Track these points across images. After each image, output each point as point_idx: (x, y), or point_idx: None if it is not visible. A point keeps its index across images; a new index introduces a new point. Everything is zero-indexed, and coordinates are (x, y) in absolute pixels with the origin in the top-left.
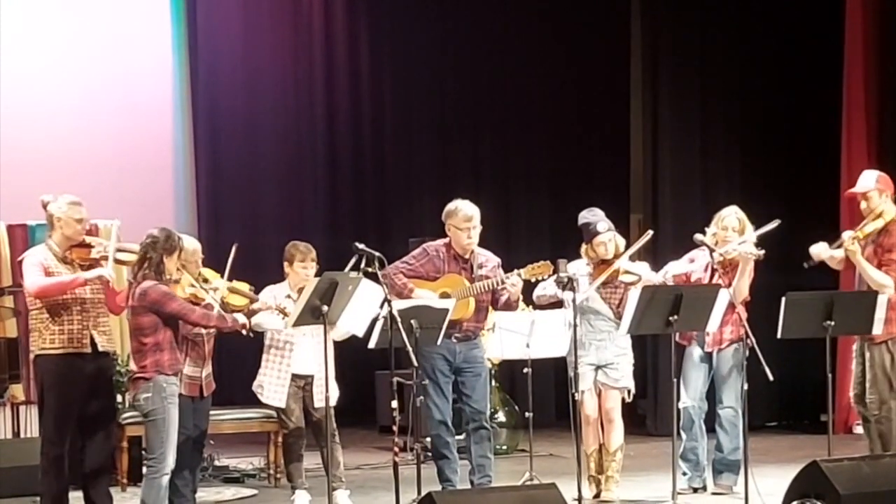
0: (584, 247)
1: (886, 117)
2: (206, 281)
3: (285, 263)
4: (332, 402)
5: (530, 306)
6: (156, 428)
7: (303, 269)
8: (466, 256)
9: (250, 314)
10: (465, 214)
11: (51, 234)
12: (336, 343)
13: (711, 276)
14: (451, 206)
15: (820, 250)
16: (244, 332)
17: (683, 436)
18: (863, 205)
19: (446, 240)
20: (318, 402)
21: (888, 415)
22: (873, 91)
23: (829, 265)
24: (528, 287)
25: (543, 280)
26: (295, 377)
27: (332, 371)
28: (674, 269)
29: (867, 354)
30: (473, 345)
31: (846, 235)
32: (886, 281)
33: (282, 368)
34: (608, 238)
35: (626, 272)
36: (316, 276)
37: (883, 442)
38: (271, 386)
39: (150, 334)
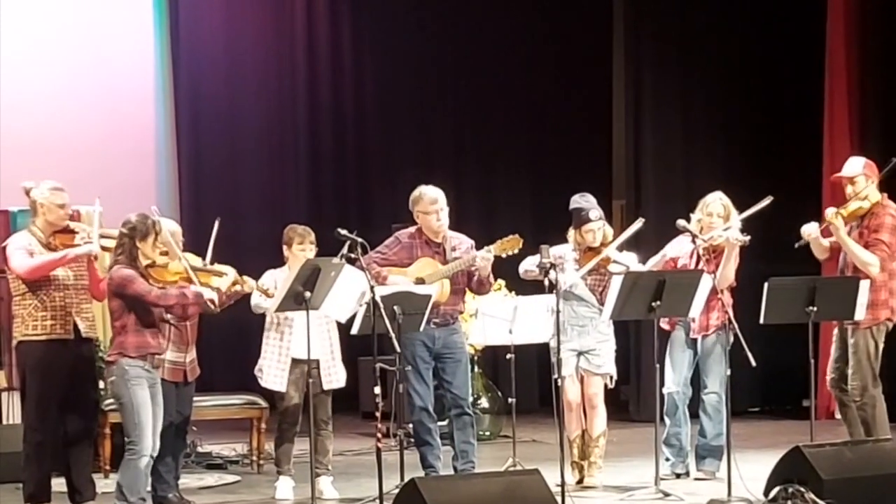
0: (571, 231)
1: (868, 101)
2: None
3: (284, 247)
4: (341, 384)
5: (513, 292)
6: (126, 412)
7: (301, 252)
8: (438, 240)
9: (234, 296)
10: (429, 198)
11: (34, 220)
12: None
13: (697, 263)
14: (414, 193)
15: (811, 230)
16: (212, 307)
17: (667, 421)
18: (848, 189)
19: (417, 226)
20: (326, 384)
21: (870, 402)
22: (855, 74)
23: (815, 254)
24: (508, 268)
25: (512, 255)
26: (297, 362)
27: (339, 353)
28: (656, 262)
29: (850, 340)
30: (453, 330)
31: (829, 211)
32: (871, 259)
33: (281, 352)
34: (598, 226)
35: (615, 262)
36: None
37: (865, 428)
38: (271, 370)
39: (118, 317)
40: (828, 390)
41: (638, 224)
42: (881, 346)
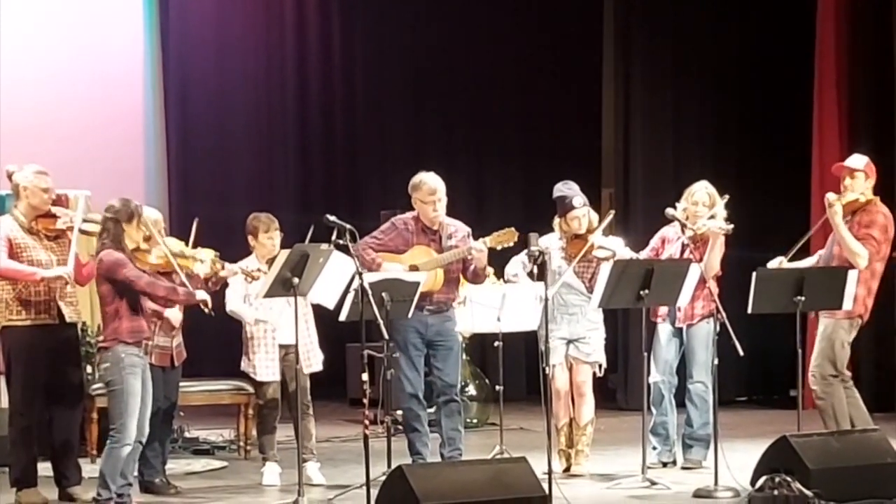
0: (557, 220)
1: (858, 96)
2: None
3: (249, 237)
4: (319, 367)
5: (501, 279)
6: (115, 398)
7: (269, 240)
8: (435, 228)
9: (219, 281)
10: (429, 188)
11: (17, 203)
12: (315, 311)
13: (682, 252)
14: (415, 179)
15: (775, 265)
16: (206, 310)
17: (653, 410)
18: (847, 181)
19: (414, 213)
20: (306, 367)
21: (829, 391)
22: (844, 69)
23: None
24: (500, 259)
25: (508, 248)
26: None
27: (316, 337)
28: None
29: (820, 327)
30: (446, 317)
31: (831, 195)
32: (861, 250)
33: (268, 344)
34: (582, 213)
35: (601, 247)
36: (283, 247)
37: (825, 417)
38: (262, 363)
39: (109, 302)
40: None
41: (609, 217)
42: (849, 340)
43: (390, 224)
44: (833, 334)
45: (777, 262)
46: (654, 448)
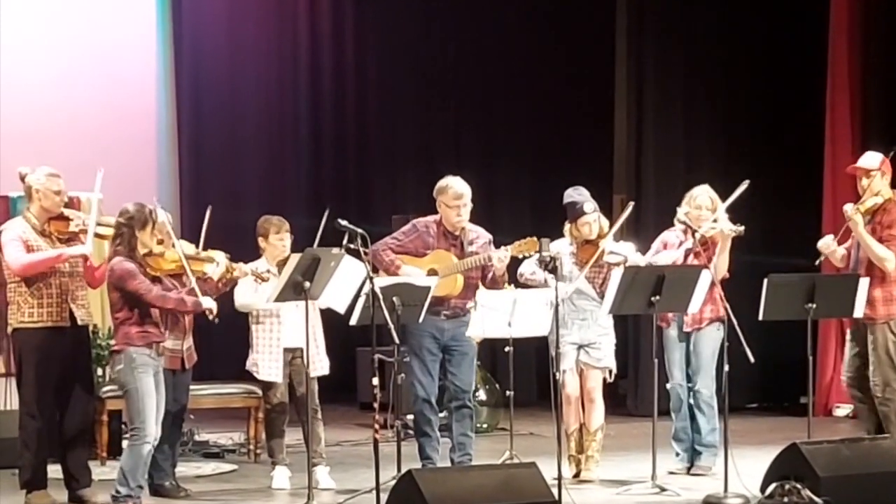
0: (567, 226)
1: (870, 97)
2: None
3: (259, 238)
4: (325, 371)
5: (512, 285)
6: (130, 399)
7: (279, 242)
8: (456, 233)
9: (229, 282)
10: (455, 192)
11: (29, 206)
12: (324, 313)
13: (686, 258)
14: (442, 182)
15: (828, 242)
16: (210, 317)
17: (673, 416)
18: (863, 181)
19: (437, 216)
20: (311, 371)
21: (893, 397)
22: (857, 70)
23: (834, 264)
24: (513, 265)
25: (528, 257)
26: (285, 351)
27: (323, 341)
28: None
29: (870, 337)
30: (462, 322)
31: (848, 207)
32: (887, 254)
33: (273, 343)
34: (593, 219)
35: (612, 253)
36: (294, 250)
37: (887, 424)
38: (265, 362)
39: (119, 309)
40: (825, 387)
41: (628, 209)
42: None
43: (411, 226)
44: (883, 339)
45: (829, 239)
46: (678, 454)
